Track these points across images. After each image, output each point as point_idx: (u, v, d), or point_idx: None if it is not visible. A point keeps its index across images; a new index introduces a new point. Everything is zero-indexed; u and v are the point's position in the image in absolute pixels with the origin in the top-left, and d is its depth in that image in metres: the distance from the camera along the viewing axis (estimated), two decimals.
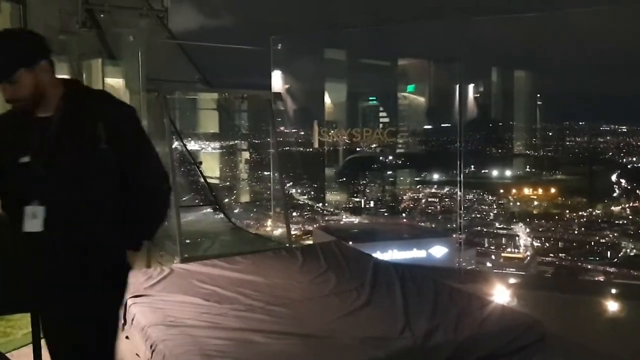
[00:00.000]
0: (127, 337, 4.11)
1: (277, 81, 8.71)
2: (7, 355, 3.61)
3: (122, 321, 4.15)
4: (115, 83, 8.86)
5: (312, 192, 17.04)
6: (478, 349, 3.33)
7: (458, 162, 8.24)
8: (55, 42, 8.32)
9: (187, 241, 5.98)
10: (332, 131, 11.50)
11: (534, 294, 5.25)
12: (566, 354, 3.40)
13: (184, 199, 7.30)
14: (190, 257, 5.42)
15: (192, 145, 8.74)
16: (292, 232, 6.75)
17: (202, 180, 7.99)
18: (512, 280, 5.63)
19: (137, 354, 3.77)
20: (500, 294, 4.92)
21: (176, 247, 5.57)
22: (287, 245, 6.21)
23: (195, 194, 8.16)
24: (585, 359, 3.38)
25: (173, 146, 6.54)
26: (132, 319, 3.90)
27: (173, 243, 5.72)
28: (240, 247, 6.27)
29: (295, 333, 3.38)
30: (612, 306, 4.86)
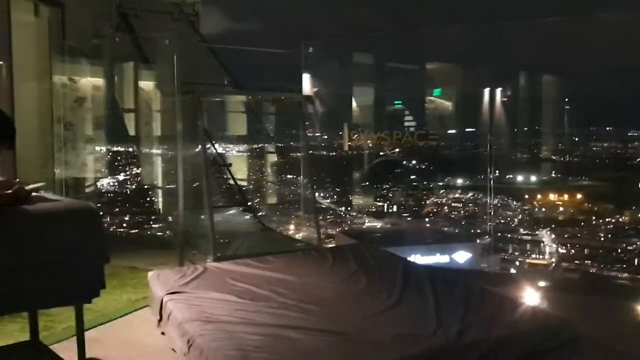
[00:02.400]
0: (162, 333, 4.22)
1: (306, 84, 8.78)
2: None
3: (159, 317, 4.27)
4: (145, 86, 9.07)
5: (336, 196, 17.10)
6: (510, 348, 3.35)
7: (488, 168, 8.23)
8: (89, 45, 8.55)
9: (219, 240, 6.07)
10: (362, 134, 11.55)
11: (564, 297, 5.24)
12: (599, 356, 3.41)
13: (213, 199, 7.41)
14: (222, 256, 5.51)
15: (220, 148, 8.86)
16: (314, 236, 6.81)
17: (231, 181, 8.10)
18: (541, 283, 5.62)
19: (173, 349, 3.86)
20: (531, 296, 4.93)
21: (209, 246, 5.67)
22: (317, 246, 6.29)
23: (225, 195, 8.28)
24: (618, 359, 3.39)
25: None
26: (169, 315, 3.99)
27: (206, 242, 5.82)
28: (270, 247, 6.34)
29: (328, 330, 3.43)
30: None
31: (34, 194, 3.04)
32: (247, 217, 8.03)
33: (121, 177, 13.66)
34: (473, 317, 3.62)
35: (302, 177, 7.51)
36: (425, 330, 3.44)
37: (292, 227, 11.29)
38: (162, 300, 4.20)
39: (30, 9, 7.10)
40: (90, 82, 9.15)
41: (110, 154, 11.45)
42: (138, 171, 12.91)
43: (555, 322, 3.67)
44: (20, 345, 3.60)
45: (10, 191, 2.89)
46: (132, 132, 9.28)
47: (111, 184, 13.49)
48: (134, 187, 13.68)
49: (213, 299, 4.06)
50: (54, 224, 2.90)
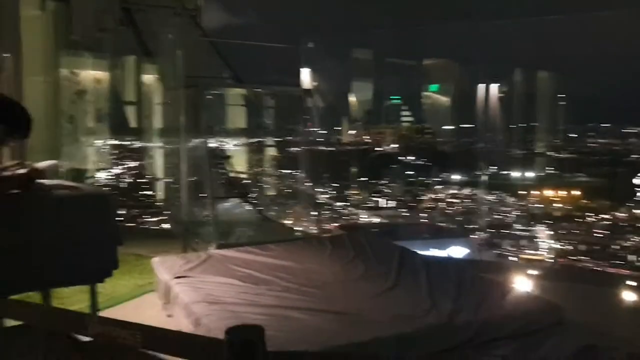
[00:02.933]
0: (169, 315, 4.40)
1: (305, 79, 8.95)
2: None
3: (165, 300, 4.46)
4: (146, 79, 9.23)
5: (334, 191, 17.26)
6: (499, 329, 3.56)
7: (480, 163, 8.43)
8: (92, 39, 8.71)
9: (221, 229, 6.24)
10: (360, 128, 11.73)
11: (554, 284, 5.44)
12: (582, 336, 3.60)
13: None
14: (225, 244, 5.70)
15: (220, 141, 9.02)
16: (311, 230, 7.00)
17: (231, 173, 8.27)
18: (533, 272, 5.82)
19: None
20: (522, 283, 5.12)
21: (212, 235, 5.86)
22: (316, 235, 6.49)
23: (224, 186, 8.44)
24: (600, 341, 3.58)
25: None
26: (175, 298, 4.18)
27: (208, 231, 6.02)
28: (270, 236, 6.52)
29: (329, 310, 3.64)
30: (630, 296, 5.05)
31: (46, 182, 3.21)
32: (247, 208, 8.19)
33: (120, 169, 13.78)
34: (464, 300, 3.83)
35: (301, 171, 7.68)
36: (419, 311, 3.65)
37: (290, 220, 11.45)
38: (168, 284, 4.39)
39: (37, 3, 7.27)
40: (91, 74, 9.31)
41: (111, 146, 11.60)
42: (135, 164, 13.10)
43: (542, 306, 3.89)
44: None
45: (24, 171, 3.08)
46: (133, 125, 9.46)
47: (108, 177, 13.60)
48: (132, 180, 13.82)
49: (218, 283, 4.26)
50: (72, 208, 3.09)
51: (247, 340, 1.42)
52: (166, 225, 10.91)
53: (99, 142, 10.07)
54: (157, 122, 9.12)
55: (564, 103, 15.64)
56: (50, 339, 3.75)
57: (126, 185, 13.83)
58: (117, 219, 3.34)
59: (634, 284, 5.45)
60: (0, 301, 2.28)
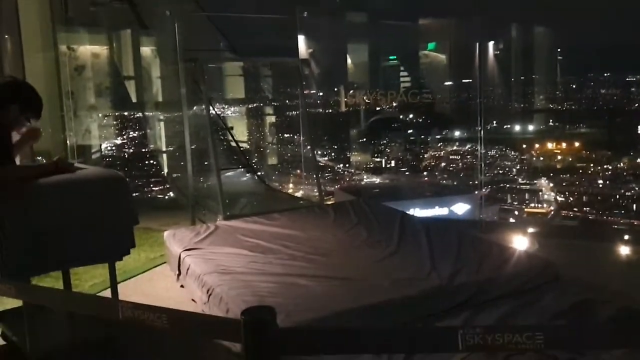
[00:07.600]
0: (182, 286, 4.61)
1: (301, 46, 9.00)
2: None
3: (177, 272, 4.65)
4: (143, 52, 9.25)
5: (333, 154, 17.35)
6: (497, 288, 3.74)
7: (478, 118, 8.56)
8: (87, 14, 8.72)
9: (226, 200, 6.40)
10: (359, 93, 11.76)
11: (551, 242, 5.62)
12: (578, 291, 3.77)
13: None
14: (231, 215, 5.87)
15: (219, 110, 9.11)
16: (313, 194, 7.14)
17: (233, 144, 8.39)
18: (531, 230, 6.00)
19: (193, 300, 4.25)
20: (521, 242, 5.30)
21: (218, 206, 6.02)
22: (319, 202, 6.65)
23: (225, 156, 8.57)
24: (596, 295, 3.75)
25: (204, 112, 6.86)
26: (187, 270, 4.37)
27: (214, 202, 6.18)
28: (274, 205, 6.68)
29: (334, 276, 3.82)
30: (625, 250, 5.23)
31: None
32: (248, 177, 8.32)
33: (120, 141, 13.85)
34: (464, 262, 4.01)
35: (301, 137, 7.79)
36: (420, 273, 3.83)
37: (291, 185, 11.61)
38: (179, 257, 4.58)
39: None
40: (89, 49, 9.34)
41: (112, 118, 11.67)
42: (137, 135, 13.20)
43: (538, 264, 4.06)
44: None
45: (52, 161, 3.23)
46: (134, 99, 9.52)
47: (112, 148, 13.70)
48: (131, 151, 13.92)
49: (227, 254, 4.44)
50: (89, 190, 3.23)
51: (260, 320, 1.62)
52: (171, 194, 11.09)
53: (100, 116, 10.16)
54: (157, 95, 9.20)
55: (561, 58, 15.56)
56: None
57: (128, 156, 13.93)
58: (131, 198, 3.47)
59: (629, 237, 5.63)
60: (30, 287, 2.44)
